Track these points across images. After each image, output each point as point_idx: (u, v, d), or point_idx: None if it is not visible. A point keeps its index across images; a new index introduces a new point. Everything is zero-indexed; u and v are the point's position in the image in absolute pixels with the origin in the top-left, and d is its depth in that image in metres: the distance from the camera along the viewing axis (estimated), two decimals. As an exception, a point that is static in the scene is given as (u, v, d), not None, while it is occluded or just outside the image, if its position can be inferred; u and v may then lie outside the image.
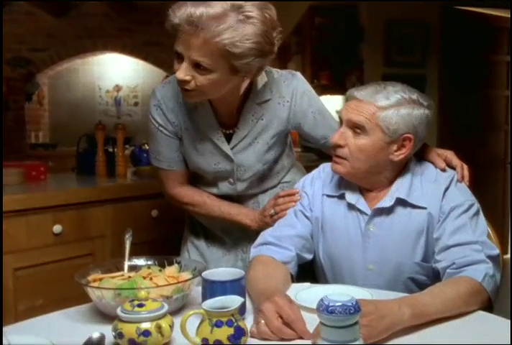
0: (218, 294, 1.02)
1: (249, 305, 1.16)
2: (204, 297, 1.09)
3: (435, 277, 1.29)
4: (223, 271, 1.17)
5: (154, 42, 6.61)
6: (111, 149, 2.56)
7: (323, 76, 4.02)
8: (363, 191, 1.38)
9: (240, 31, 1.24)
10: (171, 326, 0.97)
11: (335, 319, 0.84)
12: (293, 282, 1.33)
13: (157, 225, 2.24)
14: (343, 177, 1.39)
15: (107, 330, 0.98)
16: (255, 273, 1.27)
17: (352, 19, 3.92)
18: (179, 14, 1.24)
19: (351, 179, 1.37)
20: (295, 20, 4.33)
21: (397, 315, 1.02)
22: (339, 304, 0.85)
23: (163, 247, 2.07)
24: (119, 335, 0.95)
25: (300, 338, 1.00)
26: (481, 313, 1.15)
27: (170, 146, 1.57)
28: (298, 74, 1.56)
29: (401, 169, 1.36)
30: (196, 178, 1.66)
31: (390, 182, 1.36)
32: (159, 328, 0.95)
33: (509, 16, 3.77)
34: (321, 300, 0.87)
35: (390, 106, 1.27)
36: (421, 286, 1.31)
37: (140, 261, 1.28)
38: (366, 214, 1.35)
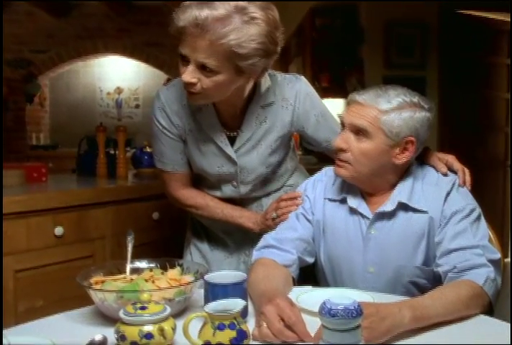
0: (220, 297, 1.02)
1: (251, 308, 1.16)
2: (206, 300, 1.09)
3: (436, 280, 1.29)
4: (225, 274, 1.17)
5: (154, 42, 6.63)
6: (112, 152, 2.56)
7: (323, 78, 4.00)
8: (365, 195, 1.39)
9: (245, 32, 1.25)
10: (173, 329, 0.97)
11: (337, 322, 0.84)
12: (294, 285, 1.33)
13: (157, 227, 2.24)
14: (345, 181, 1.39)
15: (109, 333, 0.98)
16: (256, 275, 1.27)
17: (352, 20, 3.91)
18: (184, 17, 1.25)
19: (354, 182, 1.37)
20: (297, 22, 4.33)
21: (397, 318, 1.02)
22: (342, 307, 0.85)
23: (163, 249, 2.08)
24: (122, 337, 0.95)
25: (302, 340, 1.00)
26: (482, 316, 1.15)
27: (174, 149, 1.57)
28: (302, 77, 1.57)
29: (403, 173, 1.36)
30: (200, 181, 1.66)
31: (392, 186, 1.36)
32: (161, 330, 0.95)
33: (509, 19, 3.77)
34: (324, 303, 0.87)
35: (392, 110, 1.28)
36: (422, 290, 1.31)
37: (142, 264, 1.28)
38: (367, 218, 1.35)
